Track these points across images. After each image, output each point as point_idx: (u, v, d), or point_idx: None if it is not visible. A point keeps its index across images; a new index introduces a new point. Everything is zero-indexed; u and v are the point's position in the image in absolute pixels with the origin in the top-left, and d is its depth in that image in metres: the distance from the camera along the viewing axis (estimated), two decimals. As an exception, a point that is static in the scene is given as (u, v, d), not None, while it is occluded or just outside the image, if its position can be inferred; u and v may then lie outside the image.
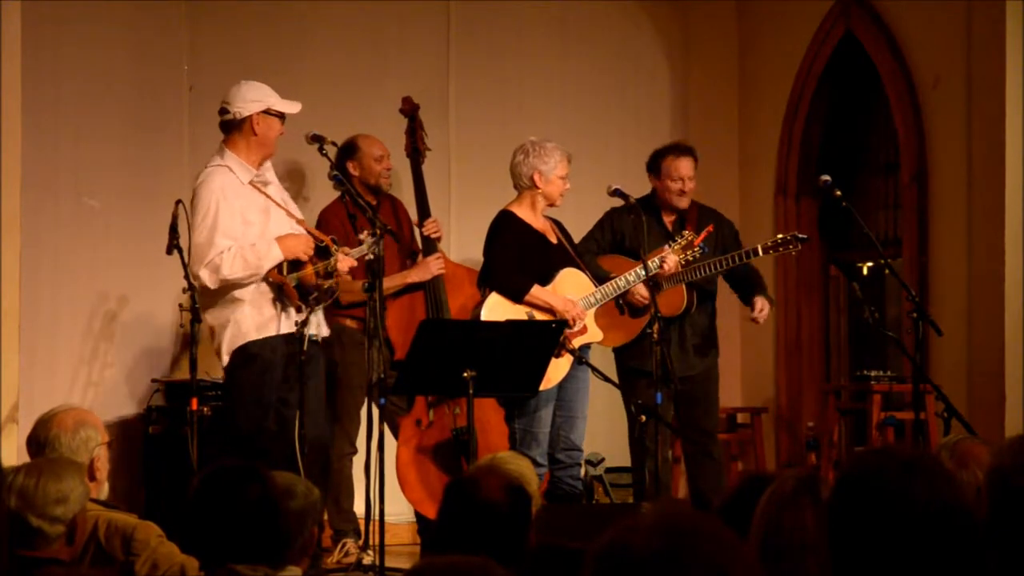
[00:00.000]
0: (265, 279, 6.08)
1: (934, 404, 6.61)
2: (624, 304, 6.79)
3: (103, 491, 4.07)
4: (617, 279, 6.59)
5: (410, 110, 7.46)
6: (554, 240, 6.69)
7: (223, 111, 6.24)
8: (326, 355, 6.50)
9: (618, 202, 6.61)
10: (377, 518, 6.19)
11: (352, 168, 7.22)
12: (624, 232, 6.85)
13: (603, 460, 8.04)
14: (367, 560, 6.84)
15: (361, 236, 6.10)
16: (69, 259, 7.44)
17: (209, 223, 6.01)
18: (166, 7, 7.79)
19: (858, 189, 8.25)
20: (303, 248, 6.07)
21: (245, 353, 6.07)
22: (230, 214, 6.02)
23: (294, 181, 8.05)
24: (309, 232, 6.19)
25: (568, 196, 6.72)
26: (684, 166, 6.88)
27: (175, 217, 6.05)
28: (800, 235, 6.68)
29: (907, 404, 7.26)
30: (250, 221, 6.08)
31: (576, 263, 6.68)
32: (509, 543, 3.20)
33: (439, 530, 3.28)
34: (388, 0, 8.21)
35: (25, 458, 3.92)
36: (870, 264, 8.45)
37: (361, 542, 7.12)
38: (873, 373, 7.69)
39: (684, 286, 6.81)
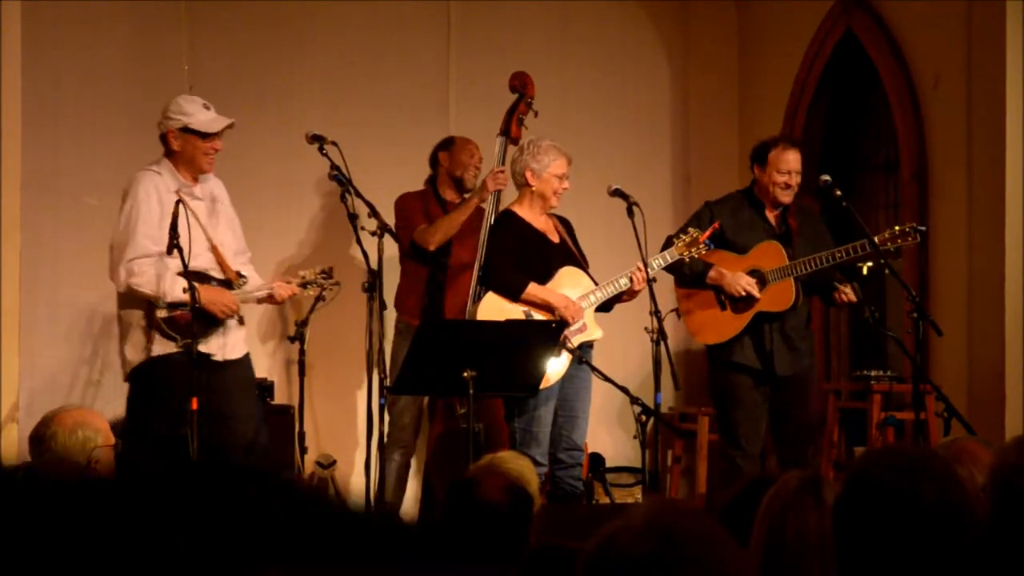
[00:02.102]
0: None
1: (934, 404, 6.60)
2: (725, 299, 6.68)
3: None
4: (618, 278, 6.57)
5: (520, 87, 7.28)
6: (556, 239, 6.68)
7: (158, 124, 6.24)
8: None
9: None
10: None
11: (443, 159, 7.45)
12: (725, 225, 6.68)
13: (604, 460, 8.05)
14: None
15: (240, 282, 6.16)
16: (69, 259, 7.44)
17: (126, 225, 6.02)
18: (166, 7, 7.79)
19: (858, 189, 8.25)
20: (221, 308, 6.07)
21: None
22: (148, 220, 6.02)
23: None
24: (219, 262, 6.19)
25: (568, 196, 6.71)
26: (792, 159, 6.68)
27: (175, 217, 6.04)
28: (919, 227, 6.48)
29: (907, 404, 7.25)
30: (164, 238, 5.99)
31: (578, 262, 6.67)
32: (509, 543, 3.20)
33: (440, 529, 3.28)
34: (388, 0, 8.21)
35: (25, 457, 3.92)
36: (870, 264, 8.44)
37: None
38: (873, 373, 7.68)
39: (793, 280, 6.61)
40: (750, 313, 6.65)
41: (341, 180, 6.30)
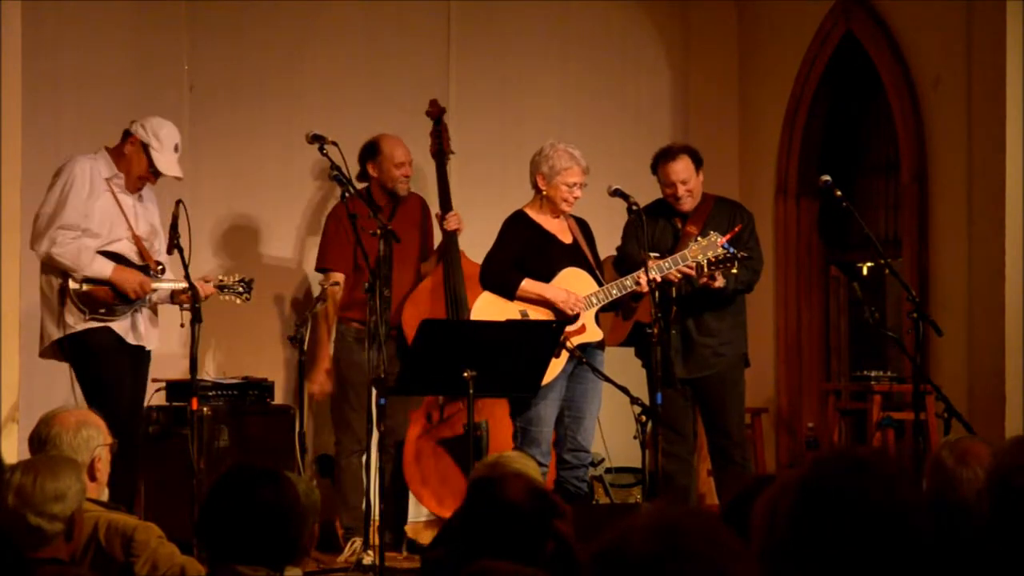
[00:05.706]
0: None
1: (934, 404, 6.61)
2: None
3: (103, 493, 4.07)
4: (623, 279, 6.55)
5: (436, 113, 7.60)
6: (568, 240, 6.66)
7: (132, 122, 6.44)
8: None
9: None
10: (377, 518, 6.19)
11: (371, 169, 7.36)
12: (653, 236, 6.68)
13: (603, 460, 8.05)
14: (367, 560, 6.84)
15: (160, 275, 6.38)
16: (69, 259, 7.43)
17: (58, 198, 6.23)
18: (166, 7, 7.79)
19: (858, 189, 8.26)
20: (132, 287, 6.26)
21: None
22: (79, 196, 6.24)
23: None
24: (140, 249, 6.36)
25: (569, 197, 6.71)
26: (674, 170, 6.75)
27: (175, 217, 6.06)
28: (740, 255, 6.48)
29: (907, 404, 7.25)
30: (89, 215, 6.27)
31: (588, 264, 6.64)
32: (530, 545, 3.19)
33: (461, 528, 3.27)
34: (388, 1, 8.21)
35: (25, 456, 3.92)
36: (870, 264, 8.45)
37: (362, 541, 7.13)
38: (873, 373, 7.69)
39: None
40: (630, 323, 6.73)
41: (341, 180, 6.30)
